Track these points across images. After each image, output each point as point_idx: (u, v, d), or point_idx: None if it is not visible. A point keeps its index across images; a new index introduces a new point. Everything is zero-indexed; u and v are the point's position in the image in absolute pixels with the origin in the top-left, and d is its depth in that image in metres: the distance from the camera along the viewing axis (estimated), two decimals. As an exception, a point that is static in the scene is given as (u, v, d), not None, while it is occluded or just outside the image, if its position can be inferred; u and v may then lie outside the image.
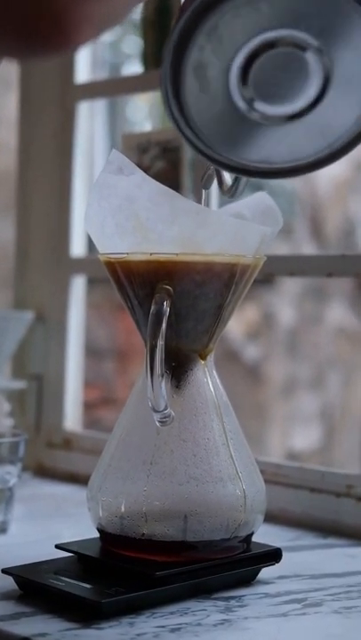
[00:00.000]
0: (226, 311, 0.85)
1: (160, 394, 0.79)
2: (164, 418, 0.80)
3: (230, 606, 0.80)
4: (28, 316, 1.32)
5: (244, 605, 0.81)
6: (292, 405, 3.59)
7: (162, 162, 1.22)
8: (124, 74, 3.58)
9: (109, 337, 3.34)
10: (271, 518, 1.03)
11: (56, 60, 1.32)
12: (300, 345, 3.58)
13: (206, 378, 0.86)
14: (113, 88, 1.45)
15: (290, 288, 3.55)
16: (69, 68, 1.36)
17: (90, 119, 1.38)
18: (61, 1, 0.54)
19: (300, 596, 0.83)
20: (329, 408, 3.53)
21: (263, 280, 1.12)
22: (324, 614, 0.79)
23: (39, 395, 1.36)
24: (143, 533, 0.82)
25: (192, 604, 0.80)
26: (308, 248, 3.54)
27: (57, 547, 0.87)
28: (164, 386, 0.79)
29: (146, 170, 1.03)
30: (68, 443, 1.32)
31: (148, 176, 0.82)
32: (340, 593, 0.84)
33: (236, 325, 3.47)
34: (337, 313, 3.55)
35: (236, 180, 0.81)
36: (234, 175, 0.80)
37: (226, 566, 0.84)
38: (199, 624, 0.76)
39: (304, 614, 0.79)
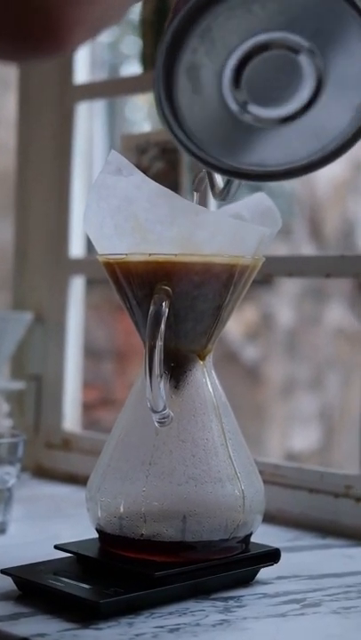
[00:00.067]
0: (225, 312, 0.86)
1: (159, 394, 0.79)
2: (163, 418, 0.80)
3: (229, 606, 0.80)
4: (27, 316, 1.32)
5: (243, 606, 0.81)
6: (291, 406, 3.59)
7: (161, 162, 1.22)
8: (122, 74, 3.58)
9: (108, 338, 3.34)
10: (270, 519, 1.03)
11: (55, 61, 1.32)
12: (299, 346, 3.58)
13: (205, 378, 0.86)
14: (112, 89, 1.45)
15: (289, 289, 3.56)
16: (68, 68, 1.36)
17: (89, 120, 1.38)
18: (54, 4, 0.54)
19: (298, 597, 0.83)
20: (328, 409, 3.53)
21: (262, 281, 1.12)
22: (323, 614, 0.79)
23: (38, 395, 1.36)
24: (142, 534, 0.82)
25: (191, 605, 0.80)
26: (306, 249, 3.54)
27: (56, 547, 0.87)
28: (162, 386, 0.79)
29: (145, 171, 1.04)
30: (66, 443, 1.32)
31: (146, 177, 0.82)
32: (338, 593, 0.84)
33: (235, 326, 3.47)
34: (336, 314, 3.55)
35: (227, 183, 0.81)
36: (226, 178, 0.80)
37: (225, 567, 0.84)
38: (198, 624, 0.76)
39: (303, 614, 0.79)
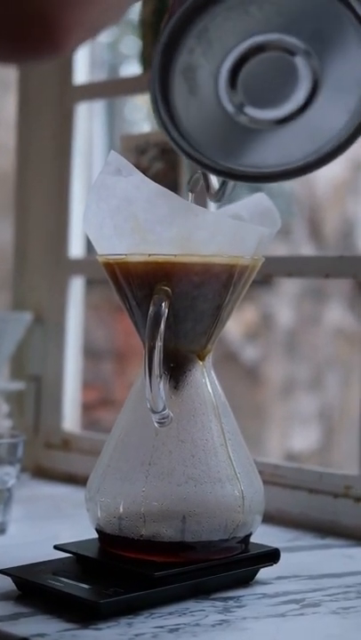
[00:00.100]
0: (224, 312, 0.86)
1: (158, 395, 0.79)
2: (163, 419, 0.81)
3: (229, 607, 0.80)
4: (27, 317, 1.32)
5: (243, 606, 0.81)
6: (290, 406, 3.59)
7: (160, 163, 1.22)
8: (122, 75, 3.58)
9: (108, 338, 3.34)
10: (269, 519, 1.03)
11: (54, 61, 1.32)
12: (299, 346, 3.58)
13: (205, 379, 0.86)
14: (111, 89, 1.46)
15: (288, 289, 3.56)
16: (68, 68, 1.36)
17: (88, 120, 1.38)
18: (52, 6, 0.54)
19: (298, 597, 0.83)
20: (327, 409, 3.53)
21: (261, 281, 1.12)
22: (323, 615, 0.80)
23: (37, 396, 1.36)
24: (142, 534, 0.82)
25: (191, 605, 0.80)
26: (306, 249, 3.54)
27: (55, 547, 0.87)
28: (162, 387, 0.80)
29: (144, 171, 1.03)
30: (66, 444, 1.32)
31: (146, 177, 0.82)
32: (338, 593, 0.84)
33: (235, 326, 3.47)
34: (335, 314, 3.55)
35: (223, 184, 0.81)
36: (221, 179, 0.80)
37: (224, 567, 0.84)
38: (198, 624, 0.76)
39: (302, 615, 0.79)
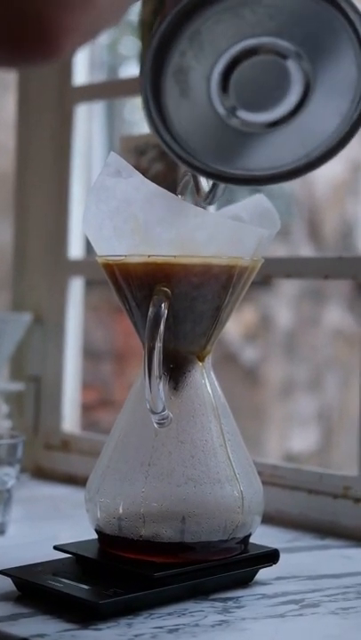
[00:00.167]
0: (224, 313, 0.86)
1: (158, 395, 0.79)
2: (162, 419, 0.81)
3: (228, 607, 0.80)
4: (26, 317, 1.32)
5: (242, 606, 0.81)
6: (289, 407, 3.59)
7: (160, 164, 1.22)
8: (121, 76, 3.58)
9: (107, 339, 3.34)
10: (269, 520, 1.03)
11: (54, 63, 1.32)
12: (298, 347, 3.58)
13: (204, 379, 0.86)
14: (111, 90, 1.46)
15: (287, 290, 3.56)
16: (67, 70, 1.36)
17: (88, 121, 1.38)
18: (49, 10, 0.54)
19: (297, 597, 0.83)
20: (327, 410, 3.53)
21: (261, 282, 1.12)
22: (322, 615, 0.80)
23: (37, 396, 1.36)
24: (141, 535, 0.82)
25: (190, 605, 0.80)
26: (305, 250, 3.54)
27: (55, 548, 0.87)
28: (161, 388, 0.80)
29: (144, 172, 1.03)
30: (65, 444, 1.32)
31: (145, 178, 0.82)
32: (337, 594, 0.85)
33: (234, 327, 3.48)
34: (334, 315, 3.56)
35: (213, 187, 0.80)
36: (211, 181, 0.80)
37: (223, 567, 0.84)
38: (197, 625, 0.76)
39: (301, 615, 0.80)
